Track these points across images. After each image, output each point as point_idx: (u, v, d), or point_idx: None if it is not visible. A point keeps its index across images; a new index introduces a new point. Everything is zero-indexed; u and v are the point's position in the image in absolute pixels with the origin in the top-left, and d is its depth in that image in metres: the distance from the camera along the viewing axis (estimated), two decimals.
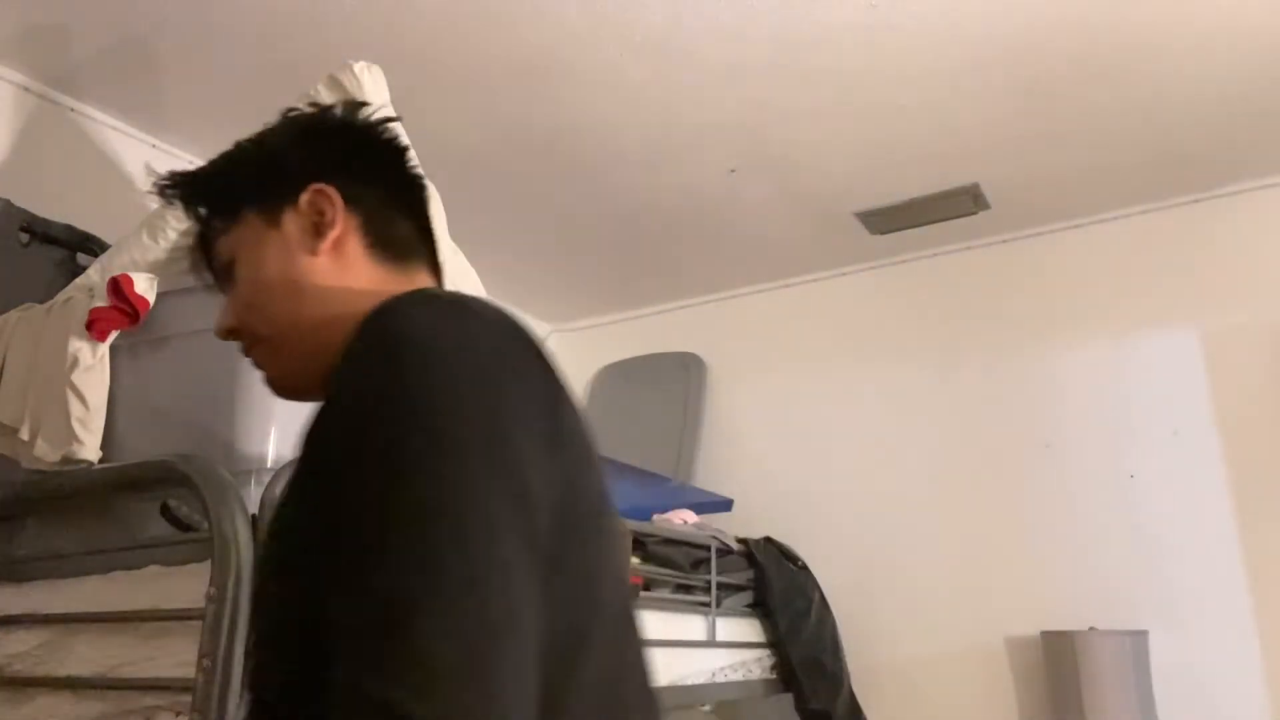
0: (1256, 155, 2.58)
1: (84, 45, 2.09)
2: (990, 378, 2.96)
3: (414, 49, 2.10)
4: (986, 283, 3.06)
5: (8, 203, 1.92)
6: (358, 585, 0.54)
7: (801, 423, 3.24)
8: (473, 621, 0.52)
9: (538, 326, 3.84)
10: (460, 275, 1.71)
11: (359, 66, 1.47)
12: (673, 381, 3.46)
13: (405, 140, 0.93)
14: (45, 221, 1.95)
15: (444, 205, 1.63)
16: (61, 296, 1.48)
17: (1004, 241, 3.05)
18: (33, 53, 2.10)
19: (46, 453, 1.34)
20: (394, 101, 1.52)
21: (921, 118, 2.38)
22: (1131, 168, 2.64)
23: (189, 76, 2.21)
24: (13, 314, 1.53)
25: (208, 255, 0.86)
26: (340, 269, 0.81)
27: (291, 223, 0.82)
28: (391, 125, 0.91)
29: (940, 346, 3.08)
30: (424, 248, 0.87)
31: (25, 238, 1.92)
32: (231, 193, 0.85)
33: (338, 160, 0.85)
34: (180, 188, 0.86)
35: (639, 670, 0.72)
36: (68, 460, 1.33)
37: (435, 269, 0.88)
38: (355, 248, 0.81)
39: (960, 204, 2.83)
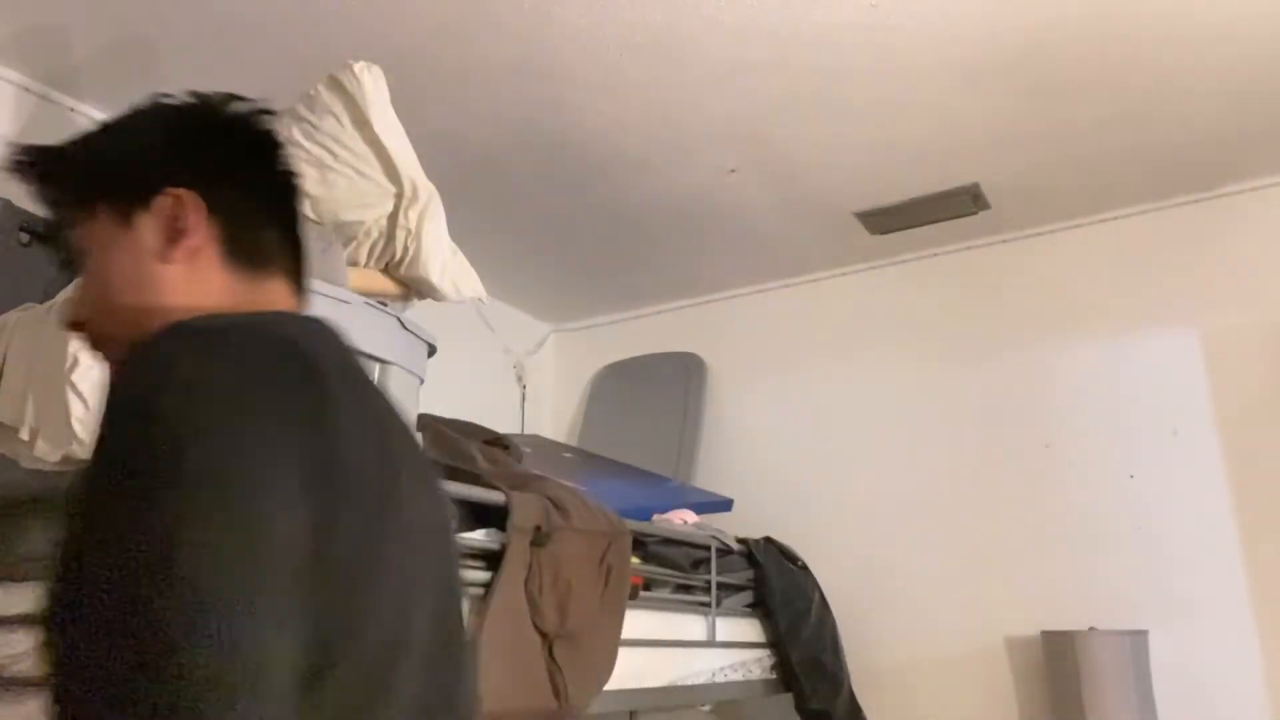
0: (1256, 155, 2.58)
1: (84, 45, 2.09)
2: (990, 378, 2.96)
3: (414, 49, 2.10)
4: (986, 283, 3.06)
5: (8, 203, 1.92)
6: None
7: (801, 423, 3.24)
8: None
9: (538, 326, 3.85)
10: (460, 275, 1.72)
11: (359, 66, 1.47)
12: (673, 381, 3.46)
13: (278, 134, 0.87)
14: (45, 221, 1.95)
15: (444, 205, 1.63)
16: (62, 296, 1.48)
17: (1004, 241, 3.05)
18: (33, 53, 2.10)
19: (46, 453, 1.34)
20: (394, 102, 1.52)
21: (921, 118, 2.38)
22: (1131, 168, 2.64)
23: (189, 76, 2.20)
24: (13, 314, 1.53)
25: (62, 238, 0.81)
26: (191, 279, 0.77)
27: (145, 226, 0.77)
28: (266, 118, 0.86)
29: (940, 346, 3.08)
30: (285, 254, 0.83)
31: (25, 238, 1.92)
32: (86, 184, 0.80)
33: (202, 161, 0.81)
34: (37, 167, 0.81)
35: (459, 703, 0.73)
36: (68, 460, 1.33)
37: (296, 274, 0.85)
38: (210, 257, 0.78)
39: (960, 204, 2.83)
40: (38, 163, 0.80)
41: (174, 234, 0.77)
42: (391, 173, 1.51)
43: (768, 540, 2.64)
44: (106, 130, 0.83)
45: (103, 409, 0.62)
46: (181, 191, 0.78)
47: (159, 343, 0.62)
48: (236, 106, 0.86)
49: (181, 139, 0.83)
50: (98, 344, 0.80)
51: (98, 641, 0.51)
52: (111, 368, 0.78)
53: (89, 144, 0.82)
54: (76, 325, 0.80)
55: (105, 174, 0.80)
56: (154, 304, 0.75)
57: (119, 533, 0.53)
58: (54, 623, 0.55)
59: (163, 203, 0.78)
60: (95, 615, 0.52)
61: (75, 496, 0.59)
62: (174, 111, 0.86)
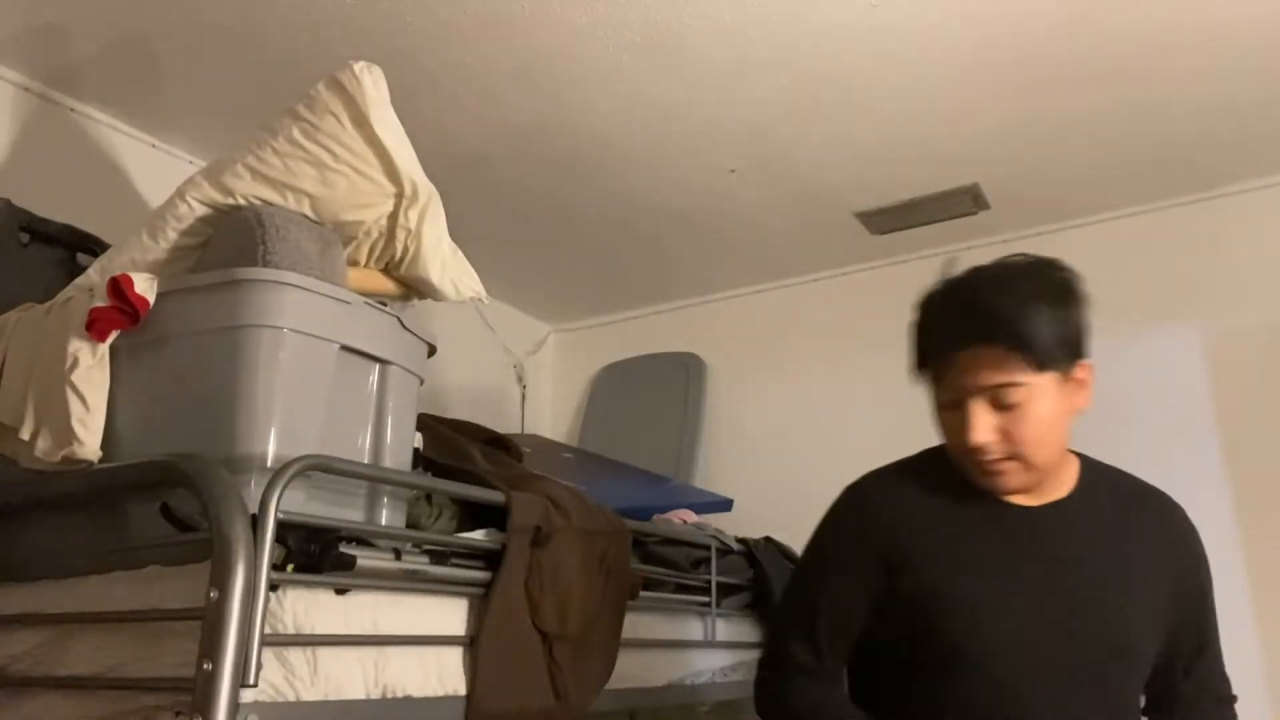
0: (1256, 155, 2.58)
1: (84, 45, 2.09)
2: None
3: (414, 49, 2.10)
4: None
5: (8, 203, 1.92)
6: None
7: (801, 423, 3.24)
8: None
9: (538, 327, 3.85)
10: (460, 275, 1.71)
11: (359, 67, 1.47)
12: (673, 381, 3.45)
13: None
14: (45, 221, 1.95)
15: (444, 205, 1.63)
16: (61, 296, 1.48)
17: (1004, 241, 3.04)
18: (33, 53, 2.10)
19: (46, 453, 1.34)
20: (394, 102, 1.52)
21: (921, 118, 2.38)
22: (1131, 168, 2.64)
23: (189, 76, 2.21)
24: (13, 314, 1.53)
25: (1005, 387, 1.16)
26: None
27: (1073, 388, 1.19)
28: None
29: None
30: None
31: (25, 238, 1.92)
32: (1057, 355, 1.16)
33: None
34: (1024, 338, 1.14)
35: None
36: (68, 460, 1.33)
37: None
38: None
39: (960, 204, 2.83)
40: (1022, 336, 1.13)
41: (1085, 397, 1.19)
42: (391, 173, 1.50)
43: (768, 540, 2.64)
44: (1070, 308, 1.17)
45: (1202, 545, 1.30)
46: (1090, 363, 1.19)
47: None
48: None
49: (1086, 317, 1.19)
50: (1017, 467, 1.19)
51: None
52: (1013, 477, 1.20)
53: (1060, 320, 1.15)
54: (1016, 456, 1.17)
55: (1072, 348, 1.17)
56: (1063, 447, 1.22)
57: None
58: None
59: (1084, 372, 1.19)
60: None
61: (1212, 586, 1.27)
62: (1079, 290, 1.19)
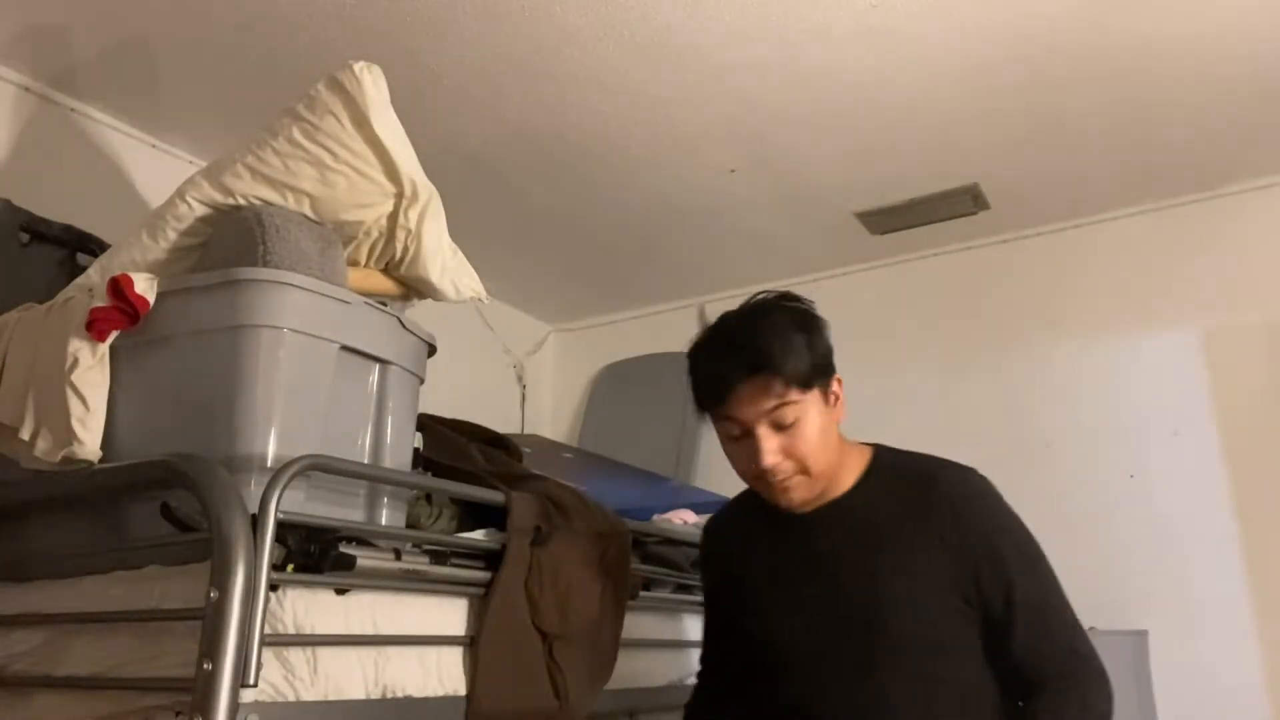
0: (1256, 155, 2.58)
1: (84, 45, 2.09)
2: (990, 378, 2.96)
3: (414, 49, 2.10)
4: (987, 283, 3.06)
5: (8, 203, 1.92)
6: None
7: None
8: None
9: (538, 327, 3.85)
10: (460, 275, 1.71)
11: (359, 67, 1.47)
12: (673, 381, 3.42)
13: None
14: (45, 221, 1.95)
15: (444, 205, 1.63)
16: (61, 296, 1.48)
17: (1004, 241, 3.05)
18: (33, 53, 2.10)
19: (46, 453, 1.34)
20: (394, 102, 1.52)
21: (922, 118, 2.38)
22: (1131, 168, 2.64)
23: (189, 76, 2.21)
24: (13, 314, 1.53)
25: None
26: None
27: (832, 402, 1.34)
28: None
29: (940, 346, 3.08)
30: None
31: (25, 238, 1.92)
32: (817, 374, 1.30)
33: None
34: (786, 364, 1.28)
35: None
36: (68, 460, 1.33)
37: None
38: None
39: (960, 204, 2.83)
40: (783, 362, 1.27)
41: (841, 408, 1.37)
42: (391, 172, 1.50)
43: None
44: (815, 333, 1.33)
45: (990, 505, 1.36)
46: (840, 378, 1.36)
47: (972, 474, 1.38)
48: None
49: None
50: (802, 481, 1.32)
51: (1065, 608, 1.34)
52: (799, 491, 1.33)
53: (812, 344, 1.31)
54: (801, 470, 1.31)
55: (824, 366, 1.32)
56: (837, 454, 1.35)
57: (1050, 569, 1.36)
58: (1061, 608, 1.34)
59: (838, 386, 1.36)
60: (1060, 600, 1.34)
61: (1027, 547, 1.37)
62: (819, 317, 1.36)
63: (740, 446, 1.32)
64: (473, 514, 1.59)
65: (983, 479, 1.38)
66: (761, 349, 1.27)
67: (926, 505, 1.34)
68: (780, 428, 1.28)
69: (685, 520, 2.49)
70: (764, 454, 1.28)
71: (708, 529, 1.63)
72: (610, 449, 3.15)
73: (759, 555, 1.44)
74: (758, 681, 1.42)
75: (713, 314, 1.38)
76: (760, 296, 1.38)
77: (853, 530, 1.35)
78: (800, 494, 1.34)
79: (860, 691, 1.29)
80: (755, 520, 1.46)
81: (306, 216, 1.47)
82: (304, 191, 1.46)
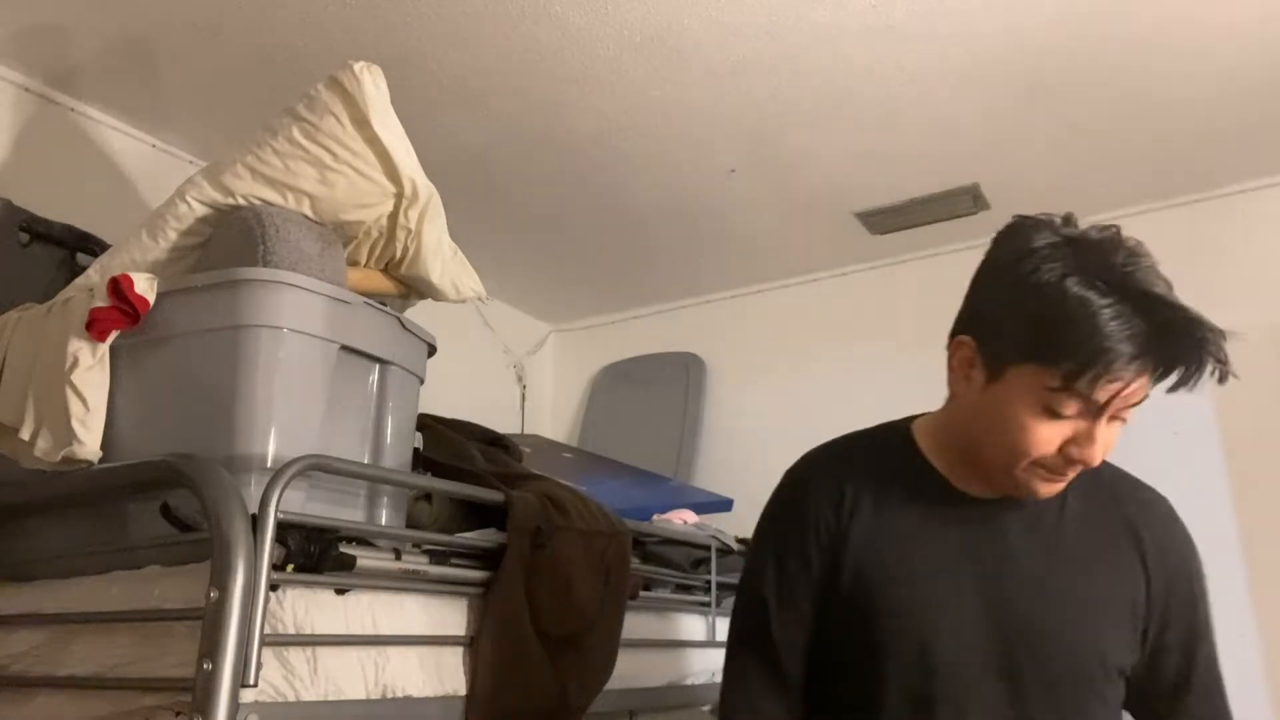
0: (1256, 155, 2.57)
1: (84, 45, 2.09)
2: None
3: (414, 49, 2.10)
4: None
5: (8, 203, 1.92)
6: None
7: (802, 423, 3.23)
8: None
9: (538, 326, 3.85)
10: (460, 275, 1.72)
11: (359, 67, 1.47)
12: (673, 381, 3.45)
13: None
14: (45, 221, 1.95)
15: (444, 205, 1.63)
16: (61, 296, 1.48)
17: None
18: (33, 53, 2.10)
19: (46, 453, 1.34)
20: (394, 102, 1.52)
21: (922, 118, 2.38)
22: (1131, 168, 2.64)
23: (189, 76, 2.21)
24: (13, 314, 1.53)
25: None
26: None
27: None
28: None
29: (940, 347, 3.06)
30: None
31: (25, 238, 1.92)
32: None
33: None
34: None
35: None
36: (68, 460, 1.33)
37: None
38: None
39: (960, 204, 2.83)
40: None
41: None
42: (391, 173, 1.51)
43: None
44: None
45: (1192, 542, 1.27)
46: None
47: (1169, 502, 1.31)
48: None
49: None
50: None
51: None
52: (1054, 488, 1.11)
53: None
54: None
55: None
56: None
57: None
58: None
59: None
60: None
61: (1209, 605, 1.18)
62: None
63: (1053, 426, 1.04)
64: (473, 514, 1.59)
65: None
66: (1220, 345, 1.08)
67: (1123, 516, 1.20)
68: (1114, 420, 1.07)
69: (685, 520, 2.49)
70: (1098, 449, 1.06)
71: (817, 470, 1.30)
72: (610, 449, 3.15)
73: (913, 536, 1.15)
74: (852, 677, 1.13)
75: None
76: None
77: (1042, 529, 1.15)
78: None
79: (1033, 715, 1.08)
80: (899, 485, 1.20)
81: (306, 216, 1.48)
82: (304, 191, 1.46)
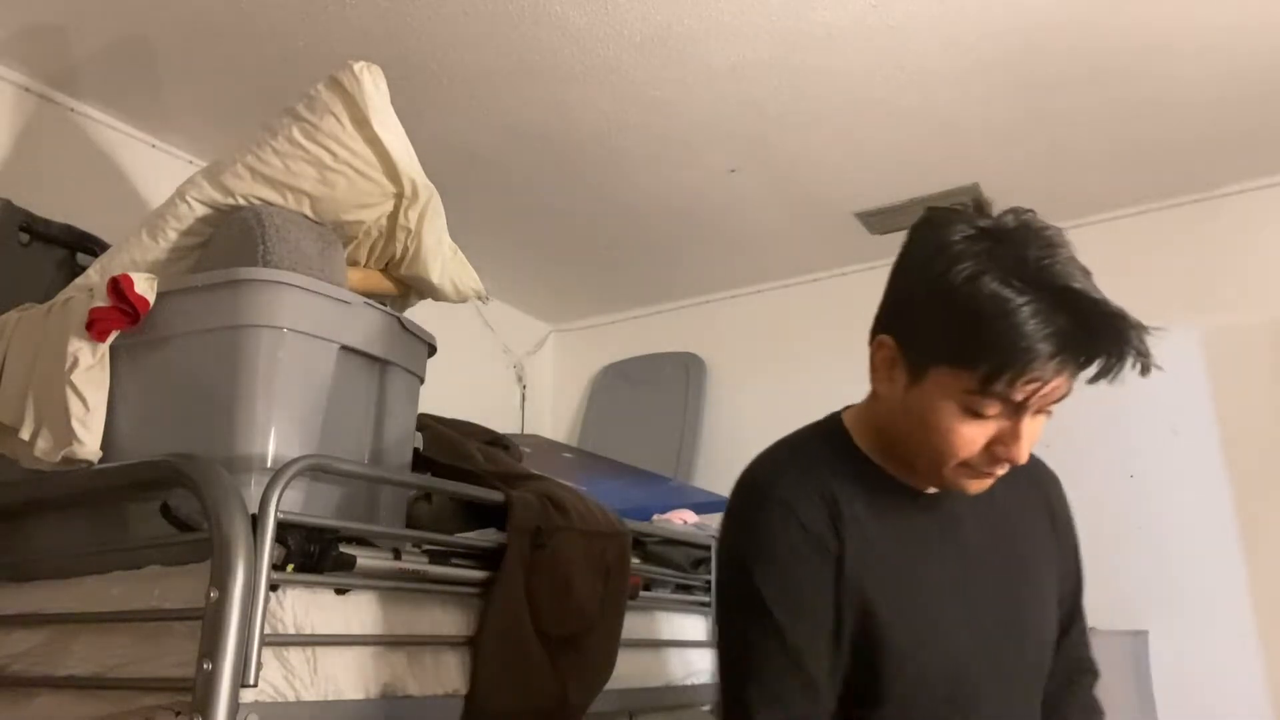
0: (1256, 155, 2.57)
1: (84, 45, 2.09)
2: None
3: (414, 49, 2.10)
4: None
5: (8, 203, 1.92)
6: None
7: (801, 423, 3.23)
8: None
9: (538, 327, 3.85)
10: (460, 275, 1.72)
11: (359, 67, 1.47)
12: (673, 381, 3.45)
13: None
14: (45, 221, 1.95)
15: (444, 205, 1.63)
16: (61, 296, 1.48)
17: None
18: (33, 53, 2.11)
19: (46, 453, 1.34)
20: (394, 102, 1.52)
21: (922, 118, 2.38)
22: (1131, 168, 2.64)
23: (189, 76, 2.21)
24: (13, 314, 1.53)
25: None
26: None
27: None
28: None
29: None
30: None
31: (25, 238, 1.92)
32: None
33: None
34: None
35: None
36: (68, 460, 1.33)
37: None
38: None
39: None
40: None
41: None
42: (391, 173, 1.51)
43: None
44: None
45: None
46: None
47: None
48: None
49: None
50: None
51: None
52: (983, 484, 1.09)
53: None
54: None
55: None
56: None
57: None
58: None
59: None
60: None
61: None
62: None
63: (976, 427, 1.02)
64: (473, 514, 1.59)
65: None
66: (1140, 336, 1.03)
67: (1042, 496, 1.24)
68: (1038, 414, 1.04)
69: (685, 520, 2.49)
70: (1024, 445, 1.03)
71: (802, 492, 1.15)
72: (610, 449, 3.15)
73: (900, 541, 1.11)
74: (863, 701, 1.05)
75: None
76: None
77: (989, 519, 1.16)
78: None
79: (1025, 709, 1.12)
80: (862, 490, 1.15)
81: (306, 216, 1.48)
82: (304, 191, 1.46)
